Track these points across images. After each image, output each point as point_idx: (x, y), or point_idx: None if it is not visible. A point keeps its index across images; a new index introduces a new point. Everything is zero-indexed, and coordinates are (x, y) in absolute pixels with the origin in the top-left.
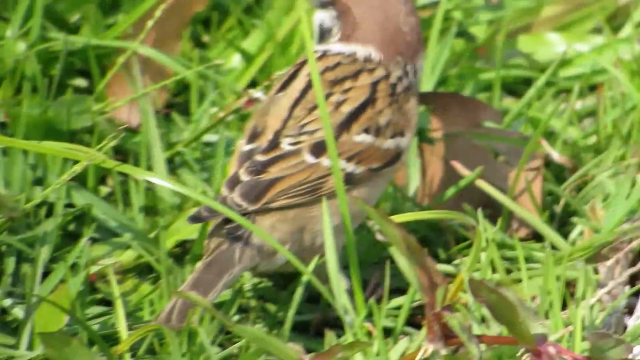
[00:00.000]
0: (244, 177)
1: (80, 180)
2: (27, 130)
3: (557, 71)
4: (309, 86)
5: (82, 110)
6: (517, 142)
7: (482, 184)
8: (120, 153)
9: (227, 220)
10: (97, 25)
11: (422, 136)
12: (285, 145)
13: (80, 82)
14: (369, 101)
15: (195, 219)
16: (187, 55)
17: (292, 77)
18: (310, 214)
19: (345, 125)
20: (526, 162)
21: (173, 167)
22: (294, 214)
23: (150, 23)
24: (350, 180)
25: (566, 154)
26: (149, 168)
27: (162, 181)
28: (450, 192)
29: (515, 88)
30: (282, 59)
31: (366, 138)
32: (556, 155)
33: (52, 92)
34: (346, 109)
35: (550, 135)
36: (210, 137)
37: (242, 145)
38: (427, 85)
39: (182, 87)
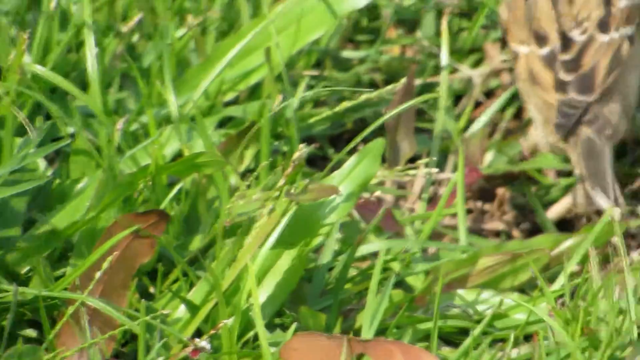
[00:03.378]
0: (567, 77)
1: None
2: None
3: (493, 321)
4: None
5: None
6: None
7: None
8: None
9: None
10: (46, 277)
11: None
12: (577, 37)
13: (31, 332)
14: None
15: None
16: (134, 305)
17: None
18: (621, 83)
19: (607, 1)
20: None
21: None
22: (613, 88)
23: (97, 274)
24: (631, 41)
25: None
26: None
27: None
28: None
29: (452, 338)
30: (226, 308)
31: (625, 1)
32: None
33: (2, 343)
34: None
35: None
36: None
37: (536, 51)
38: (366, 335)
39: (130, 337)
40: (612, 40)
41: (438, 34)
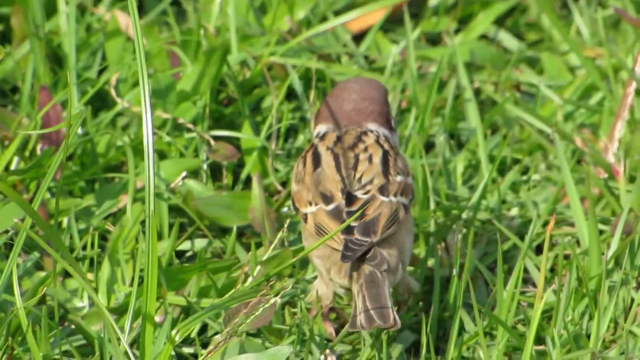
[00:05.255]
0: (353, 224)
1: None
2: None
3: None
4: (337, 157)
5: None
6: None
7: None
8: None
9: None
10: None
11: None
12: (360, 195)
13: None
14: (385, 152)
15: (345, 257)
16: None
17: (316, 156)
18: (398, 237)
19: (386, 171)
20: None
21: None
22: (391, 240)
23: None
24: (406, 210)
25: None
26: None
27: None
28: None
29: None
30: None
31: (400, 178)
32: None
33: None
34: (376, 160)
35: None
36: None
37: (323, 207)
38: None
39: None
40: (391, 201)
41: None
